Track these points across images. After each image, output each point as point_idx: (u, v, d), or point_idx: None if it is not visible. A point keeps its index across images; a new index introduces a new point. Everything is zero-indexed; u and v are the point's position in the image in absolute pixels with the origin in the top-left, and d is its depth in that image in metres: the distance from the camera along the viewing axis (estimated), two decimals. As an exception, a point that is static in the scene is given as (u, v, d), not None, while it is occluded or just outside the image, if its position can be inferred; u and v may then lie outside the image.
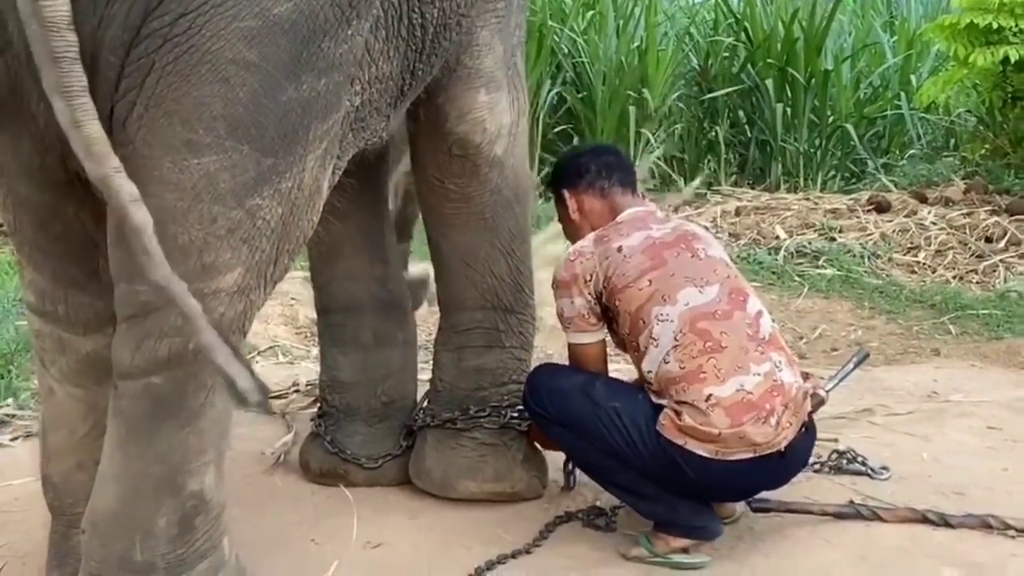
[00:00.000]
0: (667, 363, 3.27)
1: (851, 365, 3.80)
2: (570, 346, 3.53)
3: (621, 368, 4.31)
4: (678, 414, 3.23)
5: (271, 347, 5.60)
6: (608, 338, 3.51)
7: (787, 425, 3.26)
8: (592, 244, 3.45)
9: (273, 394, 4.72)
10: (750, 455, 3.23)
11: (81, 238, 2.80)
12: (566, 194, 3.64)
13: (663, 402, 3.28)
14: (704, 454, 3.21)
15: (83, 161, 2.29)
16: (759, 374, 3.26)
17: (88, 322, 2.90)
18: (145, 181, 2.45)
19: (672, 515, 3.36)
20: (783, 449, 3.27)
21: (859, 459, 3.98)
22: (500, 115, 3.51)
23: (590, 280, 3.40)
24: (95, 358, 2.89)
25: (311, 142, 2.61)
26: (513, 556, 3.41)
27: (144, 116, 2.46)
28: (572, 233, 3.65)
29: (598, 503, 3.70)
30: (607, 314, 3.43)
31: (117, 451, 2.66)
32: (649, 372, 3.32)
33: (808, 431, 3.39)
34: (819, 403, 3.48)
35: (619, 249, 3.40)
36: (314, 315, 4.04)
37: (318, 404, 3.95)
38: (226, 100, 2.46)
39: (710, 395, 3.21)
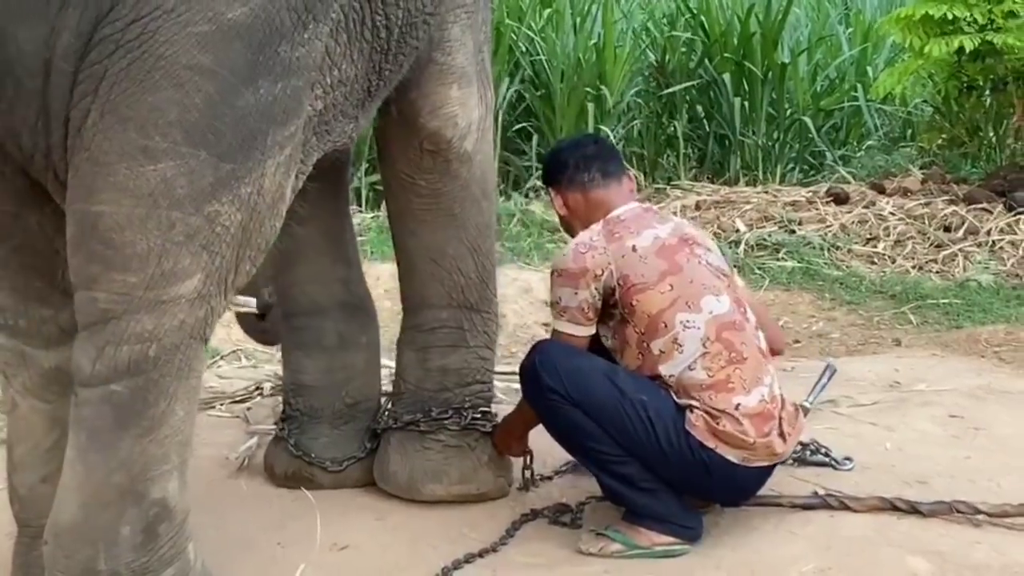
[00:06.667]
0: (692, 369, 3.31)
1: (826, 379, 4.00)
2: (557, 334, 3.46)
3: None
4: (715, 419, 3.28)
5: (234, 351, 5.56)
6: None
7: (788, 435, 3.39)
8: (603, 240, 3.41)
9: (236, 398, 4.72)
10: (766, 463, 3.37)
11: (43, 249, 2.78)
12: (552, 192, 3.66)
13: (688, 403, 3.31)
14: (733, 460, 3.30)
15: None
16: (768, 385, 3.38)
17: (50, 336, 2.87)
18: (102, 188, 2.45)
19: (665, 511, 3.38)
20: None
21: (823, 450, 4.00)
22: (471, 110, 3.51)
23: (601, 275, 3.36)
24: (58, 372, 2.86)
25: (270, 147, 2.59)
26: (480, 555, 3.41)
27: (99, 123, 2.45)
28: (566, 227, 3.68)
29: (564, 500, 3.70)
30: (611, 310, 3.40)
31: (78, 461, 2.64)
32: (670, 376, 3.32)
33: None
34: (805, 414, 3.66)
35: (634, 248, 3.38)
36: (277, 319, 4.02)
37: (282, 407, 3.92)
38: (182, 106, 2.45)
39: (738, 404, 3.29)
